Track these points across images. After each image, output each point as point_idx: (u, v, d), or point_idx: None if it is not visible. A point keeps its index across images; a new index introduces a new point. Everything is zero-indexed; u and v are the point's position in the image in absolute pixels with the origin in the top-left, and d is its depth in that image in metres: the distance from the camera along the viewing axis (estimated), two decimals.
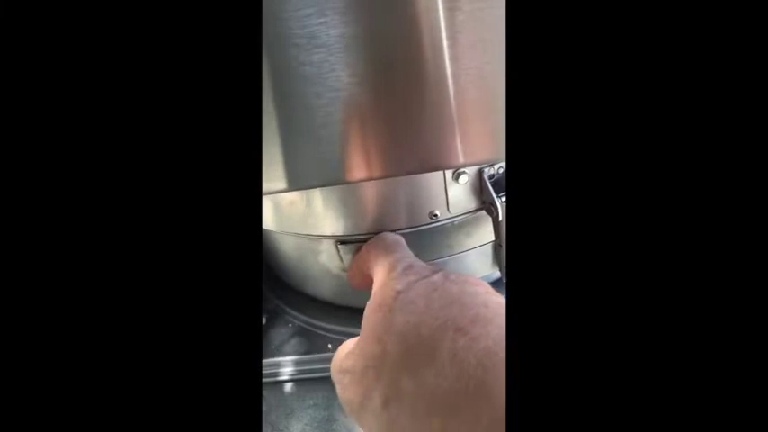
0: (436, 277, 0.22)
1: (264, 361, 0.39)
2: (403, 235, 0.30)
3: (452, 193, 0.28)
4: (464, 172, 0.27)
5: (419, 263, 0.24)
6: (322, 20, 0.17)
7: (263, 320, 0.41)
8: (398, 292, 0.22)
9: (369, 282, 0.26)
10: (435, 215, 0.29)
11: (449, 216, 0.29)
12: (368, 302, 0.23)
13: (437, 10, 0.18)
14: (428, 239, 0.30)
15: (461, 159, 0.23)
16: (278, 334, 0.41)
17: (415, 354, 0.19)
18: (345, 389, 0.22)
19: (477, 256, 0.32)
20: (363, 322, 0.23)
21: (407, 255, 0.26)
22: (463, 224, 0.30)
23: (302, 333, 0.40)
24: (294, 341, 0.40)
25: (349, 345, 0.24)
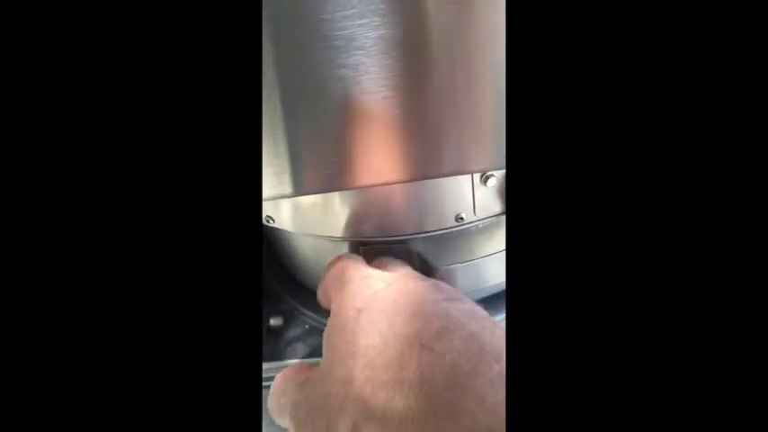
0: (394, 287, 0.22)
1: (280, 363, 0.38)
2: (424, 239, 0.30)
3: (479, 196, 0.27)
4: (492, 175, 0.26)
5: (374, 272, 0.24)
6: (361, 21, 0.17)
7: (280, 322, 0.41)
8: (359, 311, 0.21)
9: None
10: (462, 218, 0.28)
11: (474, 219, 0.29)
12: (327, 324, 0.23)
13: (472, 14, 0.18)
14: (450, 243, 0.30)
15: (490, 163, 0.22)
16: (294, 334, 0.41)
17: (383, 376, 0.18)
18: (301, 424, 0.21)
19: (498, 262, 0.32)
20: (324, 346, 0.22)
21: (362, 267, 0.25)
22: (486, 228, 0.30)
23: (318, 333, 0.40)
24: (310, 341, 0.40)
25: (287, 382, 0.23)
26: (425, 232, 0.29)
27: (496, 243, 0.31)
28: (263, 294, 0.41)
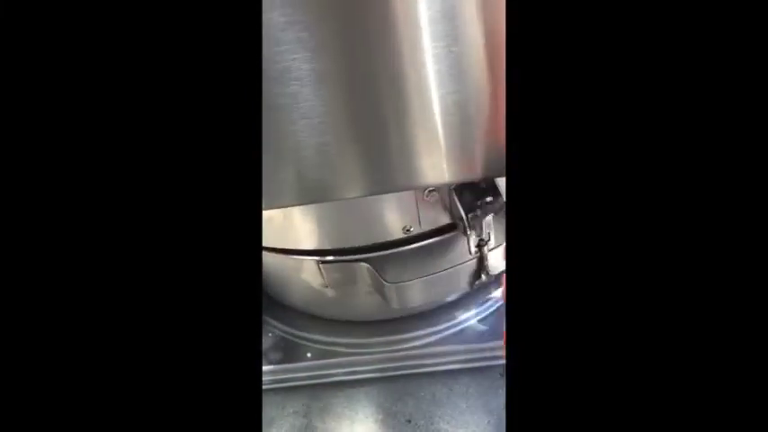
0: None
1: None
2: (380, 257, 0.31)
3: (423, 209, 0.29)
4: (434, 189, 0.28)
5: None
6: (295, 56, 0.19)
7: None
8: None
9: None
10: (409, 230, 0.30)
11: (420, 231, 0.31)
12: None
13: (401, 53, 0.20)
14: (404, 261, 0.32)
15: (432, 178, 0.24)
16: (263, 343, 0.42)
17: None
18: None
19: (453, 277, 0.33)
20: None
21: None
22: (437, 245, 0.32)
23: (282, 342, 0.41)
24: (274, 350, 0.41)
25: None
26: (376, 244, 0.31)
27: (449, 260, 0.33)
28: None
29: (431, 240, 0.32)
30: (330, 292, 0.37)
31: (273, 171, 0.23)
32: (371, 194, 0.26)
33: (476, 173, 0.24)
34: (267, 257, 0.37)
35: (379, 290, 0.33)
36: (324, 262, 0.33)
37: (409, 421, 0.36)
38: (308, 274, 0.35)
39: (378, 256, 0.32)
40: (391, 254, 0.32)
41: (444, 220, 0.31)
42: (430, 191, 0.29)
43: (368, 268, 0.32)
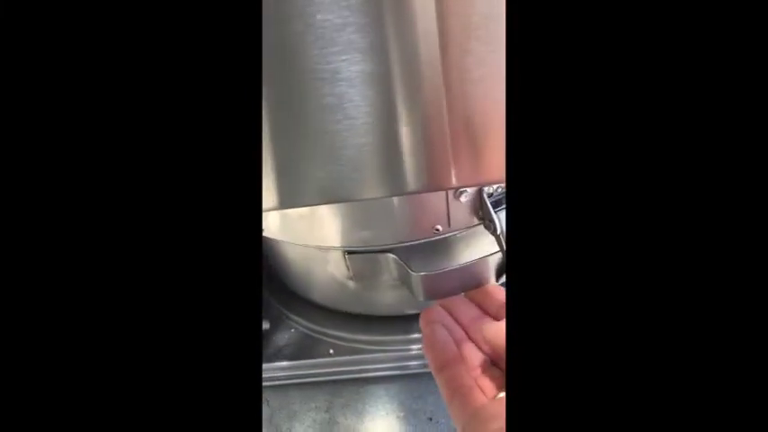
0: None
1: (268, 365, 0.40)
2: (405, 248, 0.32)
3: (453, 210, 0.30)
4: (465, 191, 0.29)
5: None
6: (345, 57, 0.19)
7: (267, 326, 0.42)
8: None
9: None
10: (437, 229, 0.31)
11: (449, 231, 0.31)
12: None
13: (440, 55, 0.20)
14: (429, 252, 0.32)
15: (465, 180, 0.24)
16: (281, 339, 0.42)
17: None
18: None
19: (480, 268, 0.34)
20: None
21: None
22: (462, 237, 0.32)
23: (304, 338, 0.42)
24: (296, 346, 0.42)
25: None
26: (405, 242, 0.32)
27: (472, 251, 0.33)
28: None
29: (458, 232, 0.32)
30: (353, 285, 0.37)
31: (313, 169, 0.23)
32: (405, 194, 0.27)
33: (489, 177, 0.24)
34: (291, 250, 0.38)
35: (405, 280, 0.33)
36: (350, 252, 0.33)
37: (431, 419, 0.37)
38: (333, 265, 0.36)
39: (403, 247, 0.32)
40: (418, 244, 0.32)
41: (474, 221, 0.31)
42: (460, 192, 0.29)
43: (394, 259, 0.32)
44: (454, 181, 0.24)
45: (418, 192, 0.25)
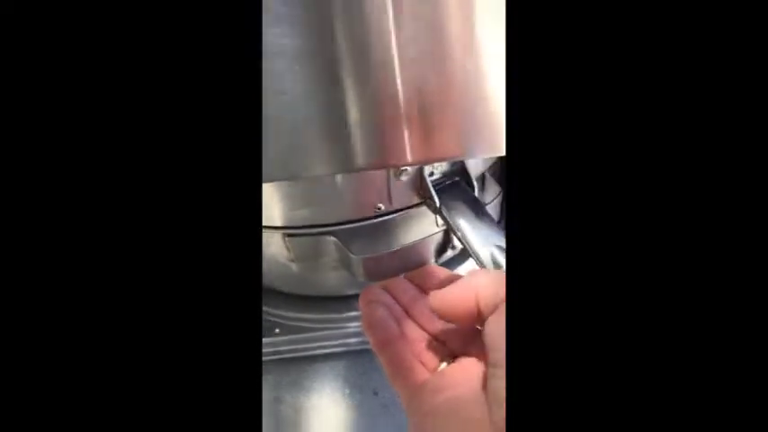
0: None
1: None
2: (346, 231, 0.32)
3: (394, 189, 0.30)
4: (405, 169, 0.29)
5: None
6: (274, 30, 0.19)
7: None
8: None
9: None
10: (379, 208, 0.31)
11: (391, 209, 0.31)
12: None
13: (370, 33, 0.20)
14: (371, 234, 0.32)
15: (409, 158, 0.25)
16: None
17: None
18: None
19: (419, 250, 0.34)
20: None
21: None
22: (403, 219, 0.33)
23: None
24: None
25: None
26: (347, 222, 0.32)
27: (411, 233, 0.33)
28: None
29: (397, 214, 0.32)
30: (296, 267, 0.37)
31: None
32: (343, 172, 0.27)
33: (443, 154, 0.25)
34: None
35: (346, 263, 0.33)
36: (290, 235, 0.33)
37: (376, 393, 0.37)
38: (275, 247, 0.35)
39: (344, 230, 0.32)
40: (358, 227, 0.32)
41: (414, 199, 0.31)
42: (401, 170, 0.29)
43: (334, 241, 0.32)
44: (394, 158, 0.24)
45: (355, 170, 0.25)
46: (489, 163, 0.38)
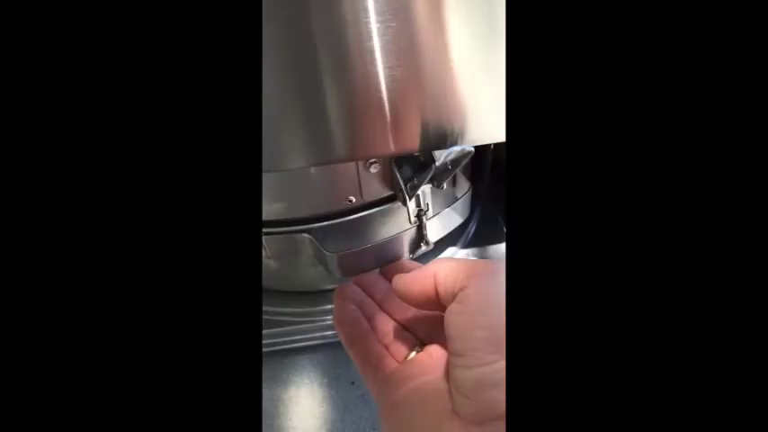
0: None
1: None
2: (321, 228, 0.32)
3: (365, 181, 0.31)
4: (375, 161, 0.30)
5: None
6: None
7: None
8: None
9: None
10: (350, 200, 0.31)
11: (362, 202, 0.32)
12: None
13: (345, 23, 0.20)
14: (345, 230, 0.33)
15: (387, 149, 0.25)
16: None
17: None
18: None
19: (393, 245, 0.35)
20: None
21: None
22: (379, 214, 0.33)
23: None
24: None
25: None
26: (321, 217, 0.32)
27: (385, 229, 0.34)
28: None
29: (371, 211, 0.33)
30: (273, 264, 0.37)
31: None
32: (314, 165, 0.27)
33: (415, 146, 0.25)
34: None
35: (321, 260, 0.33)
36: (265, 233, 0.33)
37: (353, 383, 0.38)
38: None
39: (319, 227, 0.33)
40: (332, 224, 0.32)
41: (385, 191, 0.32)
42: (371, 163, 0.30)
43: (309, 239, 0.33)
44: (365, 151, 0.25)
45: (326, 163, 0.25)
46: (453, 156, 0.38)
